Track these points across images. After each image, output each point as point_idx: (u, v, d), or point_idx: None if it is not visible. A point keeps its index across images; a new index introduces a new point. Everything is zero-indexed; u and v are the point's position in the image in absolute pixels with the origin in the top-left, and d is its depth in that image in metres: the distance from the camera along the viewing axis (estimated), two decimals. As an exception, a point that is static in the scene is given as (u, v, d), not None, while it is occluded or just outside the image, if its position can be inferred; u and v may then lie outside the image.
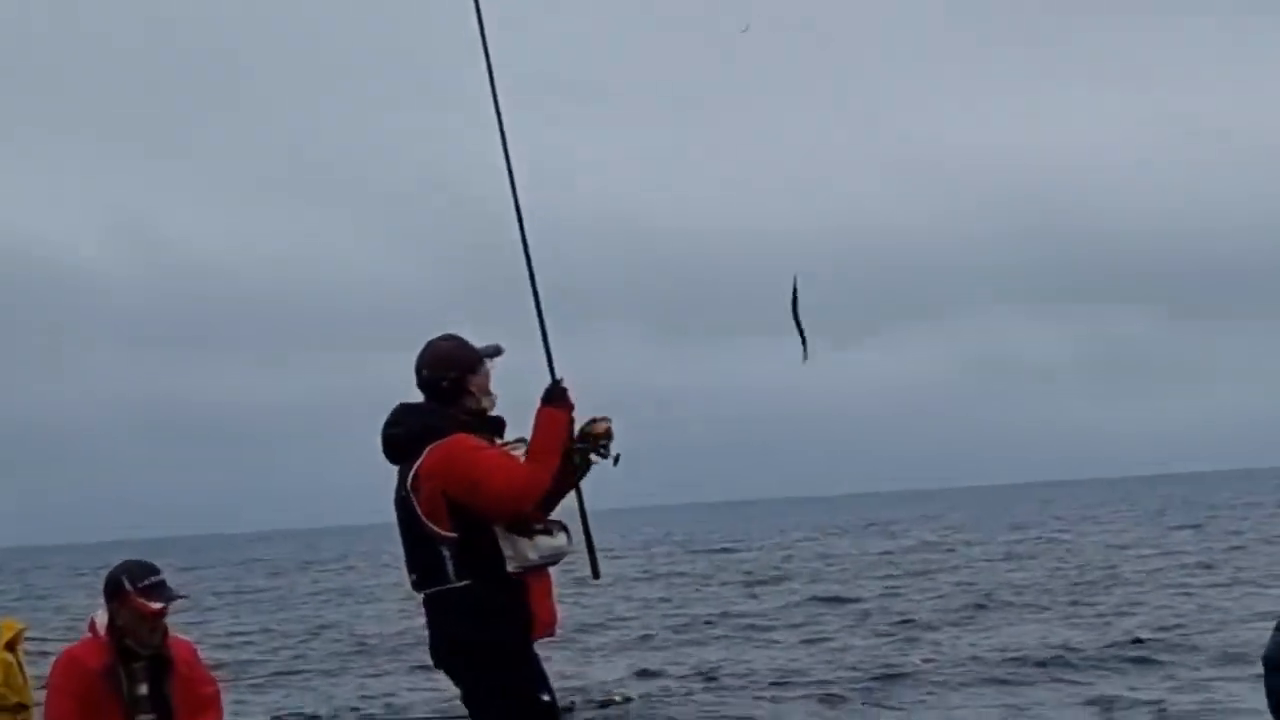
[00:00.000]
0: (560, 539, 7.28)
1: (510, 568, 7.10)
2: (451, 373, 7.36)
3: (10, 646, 14.75)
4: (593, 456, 7.33)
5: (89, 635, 7.98)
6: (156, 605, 7.76)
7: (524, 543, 7.12)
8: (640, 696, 20.73)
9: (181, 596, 8.07)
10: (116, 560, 8.26)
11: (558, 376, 7.40)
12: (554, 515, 7.40)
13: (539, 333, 7.62)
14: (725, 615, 34.64)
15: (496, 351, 7.51)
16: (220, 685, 8.37)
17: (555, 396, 7.31)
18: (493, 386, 7.47)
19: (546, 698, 7.26)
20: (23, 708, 13.94)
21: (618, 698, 19.44)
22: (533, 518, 7.18)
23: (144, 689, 7.82)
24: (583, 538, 7.52)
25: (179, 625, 8.18)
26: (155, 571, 7.95)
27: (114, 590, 7.84)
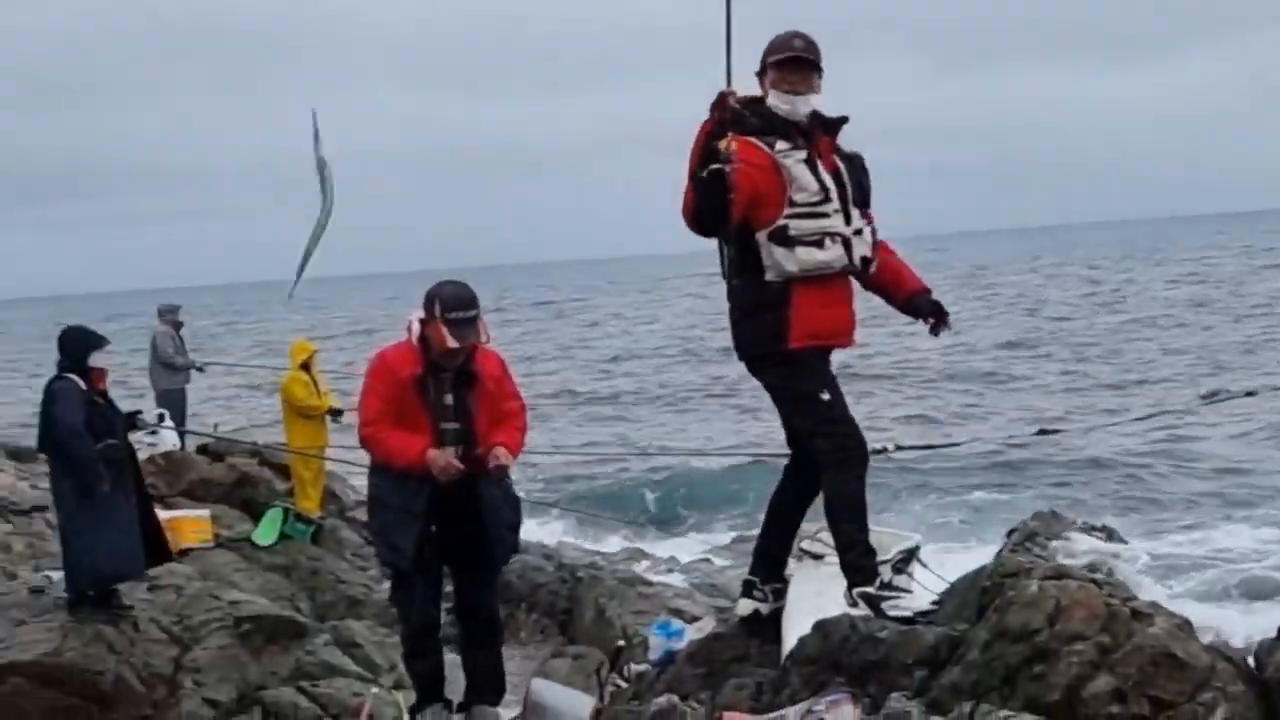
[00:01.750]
0: (830, 252, 7.15)
1: (768, 276, 7.16)
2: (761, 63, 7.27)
3: (305, 367, 16.21)
4: (718, 167, 6.89)
5: (405, 338, 8.29)
6: (453, 344, 8.05)
7: (782, 253, 7.11)
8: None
9: (482, 341, 8.16)
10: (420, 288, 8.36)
11: (730, 88, 6.99)
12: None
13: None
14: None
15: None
16: (525, 402, 8.57)
17: (711, 107, 7.01)
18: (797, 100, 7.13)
19: (826, 396, 7.26)
20: (335, 412, 15.39)
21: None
22: (702, 233, 7.15)
23: (449, 398, 8.16)
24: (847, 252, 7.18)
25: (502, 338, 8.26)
26: (469, 305, 8.10)
27: (428, 306, 8.14)
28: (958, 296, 61.53)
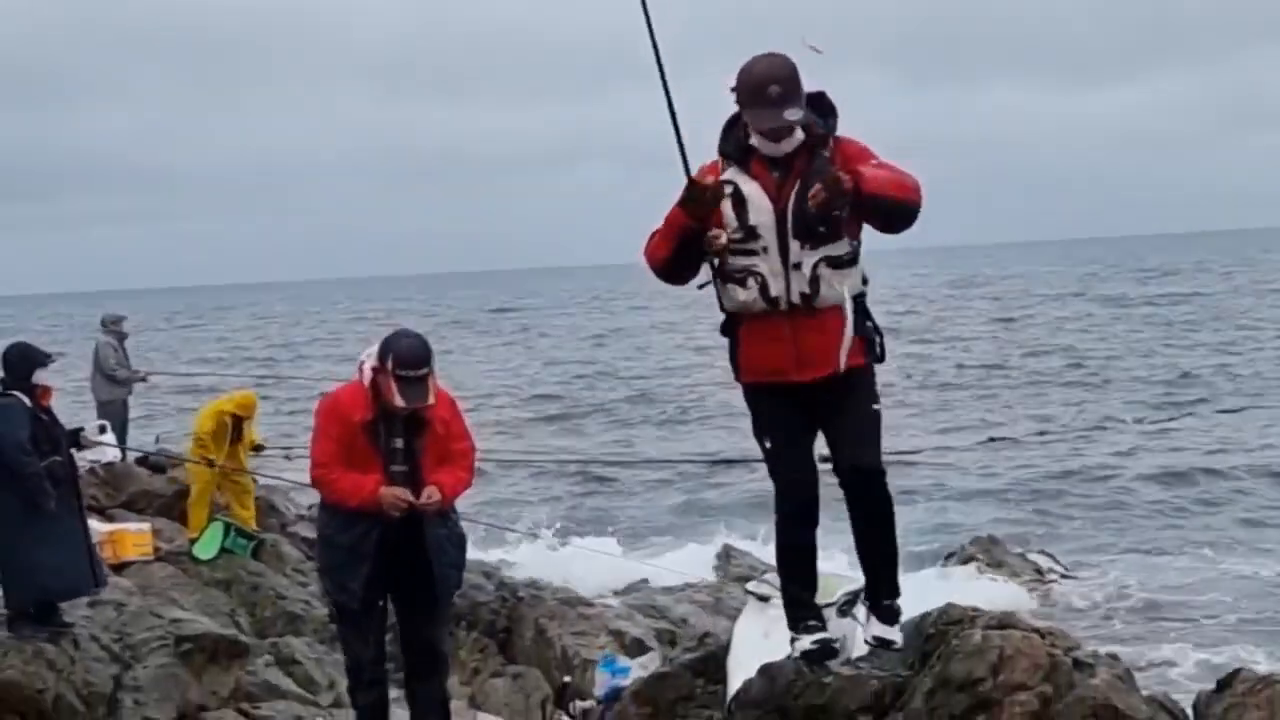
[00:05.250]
0: (748, 292, 6.86)
1: (722, 305, 7.05)
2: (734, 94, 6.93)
3: (239, 418, 16.11)
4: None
5: (355, 379, 8.28)
6: (400, 403, 8.02)
7: (720, 286, 6.99)
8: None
9: (428, 405, 8.07)
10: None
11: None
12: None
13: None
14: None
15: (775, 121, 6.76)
16: (474, 444, 8.50)
17: (684, 199, 6.78)
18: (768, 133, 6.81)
19: (769, 444, 7.09)
20: (258, 448, 16.67)
21: None
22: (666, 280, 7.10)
23: (399, 442, 8.16)
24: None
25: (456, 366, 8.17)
26: (420, 364, 8.04)
27: (381, 356, 8.09)
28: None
